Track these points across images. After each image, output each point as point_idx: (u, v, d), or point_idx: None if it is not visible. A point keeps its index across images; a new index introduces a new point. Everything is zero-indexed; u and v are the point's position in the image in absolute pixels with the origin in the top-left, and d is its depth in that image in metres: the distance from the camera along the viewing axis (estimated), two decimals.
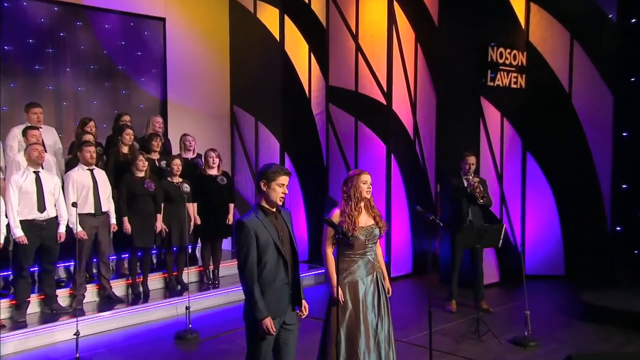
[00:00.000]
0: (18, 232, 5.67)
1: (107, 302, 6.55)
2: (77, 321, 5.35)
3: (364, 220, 4.15)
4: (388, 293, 4.26)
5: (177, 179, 6.92)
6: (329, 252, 4.12)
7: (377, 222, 4.19)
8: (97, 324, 6.13)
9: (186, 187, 6.87)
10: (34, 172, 5.84)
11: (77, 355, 5.09)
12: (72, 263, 6.43)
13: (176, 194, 6.77)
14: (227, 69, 9.56)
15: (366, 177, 4.16)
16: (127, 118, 7.42)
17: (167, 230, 6.85)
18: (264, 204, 3.53)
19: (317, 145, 9.06)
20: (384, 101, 8.15)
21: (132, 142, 7.09)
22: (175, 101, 9.07)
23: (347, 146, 8.53)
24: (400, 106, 8.24)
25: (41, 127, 6.64)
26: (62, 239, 5.96)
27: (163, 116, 8.75)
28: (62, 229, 5.98)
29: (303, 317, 3.71)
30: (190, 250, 7.68)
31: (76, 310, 5.97)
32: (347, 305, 4.11)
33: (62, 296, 6.33)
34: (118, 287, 6.82)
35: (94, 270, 6.80)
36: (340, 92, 8.54)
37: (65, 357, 5.33)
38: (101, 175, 6.42)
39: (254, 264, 3.44)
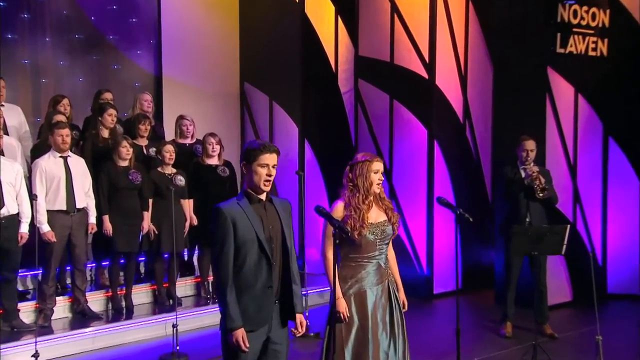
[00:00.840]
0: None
1: (81, 318, 6.54)
2: (35, 342, 5.37)
3: (375, 215, 4.14)
4: (403, 307, 4.24)
5: (169, 170, 6.91)
6: (330, 254, 4.09)
7: (389, 218, 4.17)
8: (67, 345, 6.11)
9: (180, 180, 6.91)
10: None
11: None
12: (40, 271, 6.44)
13: (168, 188, 6.73)
14: (236, 38, 9.60)
15: (379, 166, 4.14)
16: (108, 96, 7.43)
17: (156, 231, 6.84)
18: (249, 189, 3.56)
19: (344, 131, 8.99)
20: (425, 74, 8.04)
21: (115, 125, 7.10)
22: (172, 77, 9.09)
23: (380, 132, 8.48)
24: (447, 81, 8.11)
25: (2, 105, 6.70)
26: (23, 241, 5.98)
27: (157, 94, 8.80)
28: (24, 229, 5.99)
29: (298, 335, 3.65)
30: (185, 258, 7.66)
31: (41, 328, 6.00)
32: (353, 321, 4.07)
33: (26, 311, 6.36)
34: (95, 301, 6.80)
35: (68, 281, 6.82)
36: (372, 65, 8.47)
37: None
38: (77, 163, 6.43)
39: (229, 260, 3.46)
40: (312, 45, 8.95)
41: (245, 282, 3.48)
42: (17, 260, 6.06)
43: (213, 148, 7.08)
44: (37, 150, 6.62)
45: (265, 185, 3.51)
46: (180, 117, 7.61)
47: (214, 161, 7.17)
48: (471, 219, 4.24)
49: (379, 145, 8.49)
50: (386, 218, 4.16)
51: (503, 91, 8.03)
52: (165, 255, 7.07)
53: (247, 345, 3.44)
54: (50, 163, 6.24)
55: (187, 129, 7.52)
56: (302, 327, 3.67)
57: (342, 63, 8.99)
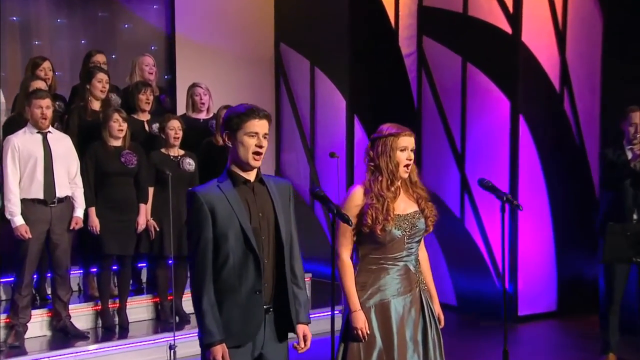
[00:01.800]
0: None
1: (63, 337, 6.56)
2: None
3: (403, 205, 4.16)
4: (439, 323, 4.28)
5: (175, 151, 6.93)
6: (345, 255, 4.14)
7: (422, 209, 4.19)
8: None
9: (189, 164, 6.92)
10: None
11: None
12: (11, 278, 6.48)
13: (174, 175, 6.69)
14: None
15: (407, 141, 4.11)
16: (100, 58, 7.47)
17: (157, 229, 6.87)
18: (233, 168, 3.62)
19: (406, 104, 8.92)
20: (508, 29, 7.89)
21: (109, 95, 7.14)
22: (188, 36, 9.22)
23: (449, 104, 8.44)
24: (537, 37, 7.93)
25: None
26: None
27: (170, 58, 8.91)
28: None
29: (301, 351, 3.74)
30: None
31: (10, 348, 6.07)
32: (375, 340, 4.09)
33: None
34: (81, 316, 6.82)
35: (48, 290, 6.86)
36: (439, 17, 8.45)
37: None
38: (60, 142, 6.44)
39: (207, 258, 3.53)
40: None
41: (227, 285, 3.53)
42: None
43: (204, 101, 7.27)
44: (11, 125, 6.69)
45: (255, 159, 3.54)
46: (193, 85, 7.64)
47: None
48: (521, 207, 4.29)
49: (447, 122, 8.49)
50: (417, 209, 4.16)
51: (616, 50, 7.91)
52: (170, 261, 6.99)
53: None
54: (25, 140, 6.28)
55: (201, 99, 7.54)
56: (306, 341, 3.74)
57: (404, 17, 8.91)
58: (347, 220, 3.75)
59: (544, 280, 8.11)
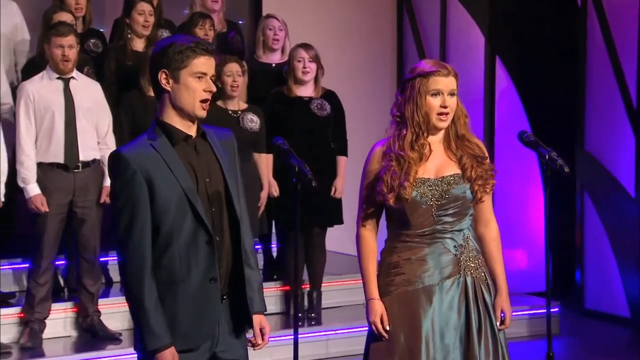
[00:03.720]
0: None
1: (90, 339, 6.84)
2: None
3: (435, 167, 4.24)
4: (501, 323, 4.29)
5: (234, 105, 7.15)
6: (364, 230, 4.31)
7: (466, 172, 4.21)
8: None
9: (252, 121, 7.15)
10: None
11: None
12: (27, 264, 6.84)
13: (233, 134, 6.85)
14: None
15: (441, 82, 4.14)
16: None
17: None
18: (168, 118, 3.65)
19: (563, 41, 8.99)
20: None
21: (155, 32, 7.44)
22: None
23: (624, 44, 8.32)
24: None
25: None
26: None
27: None
28: None
29: (258, 347, 3.88)
30: (261, 249, 7.89)
31: (23, 350, 6.49)
32: (397, 341, 4.20)
33: (5, 323, 6.74)
34: (114, 314, 7.09)
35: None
36: None
37: None
38: (88, 90, 6.73)
39: (145, 242, 3.58)
40: None
41: (171, 274, 3.59)
42: None
43: (305, 67, 7.25)
44: (31, 69, 7.05)
45: (202, 108, 3.61)
46: (266, 17, 7.88)
47: (306, 91, 7.32)
48: (567, 168, 4.49)
49: (621, 69, 8.38)
50: (458, 171, 4.18)
51: None
52: None
53: None
54: (42, 88, 6.60)
55: (275, 35, 7.74)
56: (264, 335, 3.83)
57: None
58: (310, 182, 3.98)
59: None
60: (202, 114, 3.63)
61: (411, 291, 4.20)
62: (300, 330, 7.28)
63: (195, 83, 3.59)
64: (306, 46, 7.36)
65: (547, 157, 4.43)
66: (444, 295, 4.21)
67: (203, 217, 3.60)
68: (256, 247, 7.93)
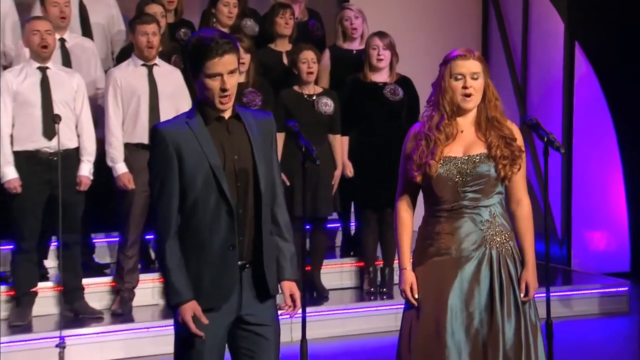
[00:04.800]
0: (9, 172, 6.62)
1: None
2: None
3: (464, 147, 4.36)
4: (525, 294, 4.38)
5: (309, 90, 7.33)
6: (401, 205, 4.53)
7: (491, 151, 4.32)
8: (154, 343, 6.78)
9: (326, 105, 7.32)
10: (39, 68, 6.71)
11: None
12: (117, 238, 7.21)
13: (309, 118, 7.15)
14: None
15: (465, 65, 4.28)
16: None
17: (288, 184, 7.28)
18: (202, 101, 3.86)
19: None
20: None
21: (241, 21, 7.80)
22: None
23: None
24: None
25: None
26: (84, 187, 6.82)
27: None
28: (84, 171, 6.80)
29: (288, 313, 3.99)
30: (340, 226, 8.10)
31: (114, 316, 6.90)
32: (426, 308, 4.34)
33: (99, 291, 7.24)
34: None
35: None
36: None
37: None
38: (170, 76, 7.05)
39: (172, 207, 3.77)
40: None
41: (197, 240, 3.78)
42: (77, 216, 6.88)
43: (379, 54, 7.35)
44: (123, 57, 7.44)
45: (222, 102, 3.75)
46: (342, 8, 8.08)
47: (380, 77, 7.43)
48: (562, 150, 4.50)
49: None
50: (485, 151, 4.31)
51: None
52: (307, 225, 7.39)
53: (205, 323, 3.71)
54: (128, 74, 6.97)
55: (352, 24, 7.89)
56: (295, 301, 3.96)
57: None
58: (314, 160, 4.10)
59: None
60: (223, 107, 3.78)
61: (440, 262, 4.34)
62: (373, 304, 7.61)
63: (210, 83, 3.73)
64: (381, 34, 7.48)
65: (545, 139, 4.47)
66: (470, 267, 4.33)
67: (226, 191, 3.74)
68: (335, 225, 8.28)
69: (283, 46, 7.82)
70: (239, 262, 3.82)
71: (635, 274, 9.32)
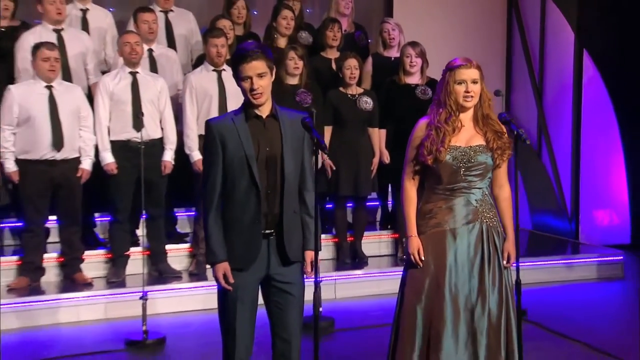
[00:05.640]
0: (107, 157, 7.01)
1: None
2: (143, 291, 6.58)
3: (466, 137, 4.53)
4: (507, 260, 4.55)
5: (352, 90, 7.54)
6: (408, 184, 4.64)
7: (489, 143, 4.51)
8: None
9: (366, 103, 7.53)
10: (130, 73, 7.05)
11: (145, 328, 6.23)
12: (194, 212, 7.56)
13: (351, 114, 7.40)
14: None
15: (466, 73, 4.44)
16: None
17: (334, 168, 7.54)
18: (247, 103, 4.12)
19: None
20: None
21: (297, 33, 8.00)
22: None
23: None
24: None
25: (171, 11, 8.07)
26: (167, 171, 7.19)
27: None
28: (167, 157, 7.16)
29: (308, 274, 4.26)
30: (379, 204, 8.36)
31: (191, 275, 7.27)
32: (428, 269, 4.50)
33: (179, 255, 7.60)
34: None
35: None
36: None
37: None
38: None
39: (215, 186, 4.08)
40: None
41: (233, 214, 4.07)
42: (161, 194, 7.24)
43: (412, 61, 7.54)
44: (199, 62, 7.70)
45: (255, 98, 4.02)
46: (381, 22, 8.25)
47: (413, 79, 7.61)
48: (528, 141, 4.49)
49: None
50: (484, 142, 4.49)
51: None
52: (350, 203, 7.78)
53: (232, 282, 4.05)
54: (201, 78, 7.26)
55: (390, 35, 8.07)
56: (312, 265, 4.21)
57: None
58: (324, 148, 4.05)
59: None
60: (258, 102, 4.03)
61: (440, 232, 4.49)
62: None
63: (243, 84, 4.04)
64: (413, 44, 7.61)
65: (515, 133, 4.48)
66: (465, 236, 4.49)
67: (256, 176, 4.01)
68: (375, 203, 8.44)
69: (332, 54, 8.00)
70: (266, 232, 4.08)
71: (634, 245, 9.40)
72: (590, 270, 8.35)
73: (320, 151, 4.02)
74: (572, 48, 9.24)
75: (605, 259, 8.46)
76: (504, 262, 4.53)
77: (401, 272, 4.72)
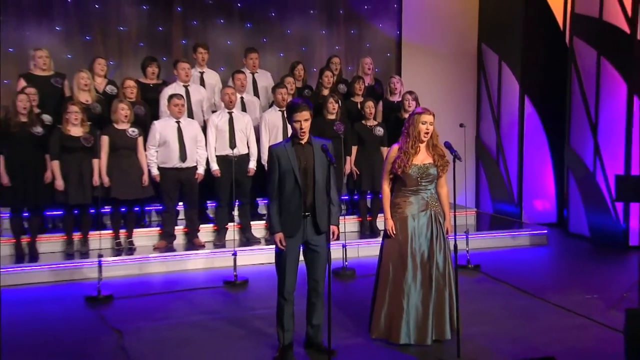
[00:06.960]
0: (214, 166, 7.47)
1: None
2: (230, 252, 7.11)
3: (421, 158, 4.66)
4: (447, 233, 4.72)
5: (370, 122, 7.98)
6: (386, 186, 4.80)
7: (435, 161, 4.66)
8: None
9: (379, 130, 7.92)
10: (228, 112, 7.58)
11: (235, 273, 6.71)
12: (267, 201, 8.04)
13: (370, 138, 7.86)
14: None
15: (427, 118, 4.64)
16: (335, 60, 8.74)
17: (358, 172, 7.93)
18: (294, 134, 4.42)
19: (561, 86, 9.06)
20: (627, 29, 7.74)
21: (334, 85, 8.40)
22: (411, 39, 9.93)
23: (588, 88, 8.43)
24: None
25: (256, 72, 8.51)
26: (251, 174, 7.59)
27: (397, 57, 9.80)
28: (251, 165, 7.59)
29: (333, 240, 4.49)
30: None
31: (266, 240, 7.67)
32: (397, 239, 4.69)
33: (257, 228, 7.93)
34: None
35: None
36: (584, 22, 8.38)
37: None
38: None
39: (274, 184, 4.36)
40: (538, 2, 9.15)
41: (285, 203, 4.37)
42: (247, 189, 7.71)
43: (409, 103, 7.86)
44: (272, 105, 8.15)
45: (301, 136, 4.31)
46: (390, 77, 8.59)
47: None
48: (460, 160, 4.40)
49: (587, 102, 8.44)
50: (432, 161, 4.66)
51: None
52: (369, 196, 8.24)
53: (284, 244, 4.34)
54: (272, 115, 7.76)
55: (394, 86, 8.42)
56: (334, 235, 4.48)
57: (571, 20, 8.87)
58: (332, 163, 4.19)
59: None
60: (302, 138, 4.27)
61: (405, 217, 4.68)
62: None
63: (295, 124, 4.30)
64: (410, 92, 7.85)
65: (453, 154, 4.45)
66: (421, 219, 4.68)
67: (298, 180, 4.27)
68: None
69: (358, 99, 8.27)
70: (305, 214, 4.37)
71: (559, 223, 9.45)
72: (527, 240, 8.42)
73: (331, 165, 4.25)
74: (518, 94, 9.33)
75: (537, 232, 8.51)
76: (446, 234, 4.73)
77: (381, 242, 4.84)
